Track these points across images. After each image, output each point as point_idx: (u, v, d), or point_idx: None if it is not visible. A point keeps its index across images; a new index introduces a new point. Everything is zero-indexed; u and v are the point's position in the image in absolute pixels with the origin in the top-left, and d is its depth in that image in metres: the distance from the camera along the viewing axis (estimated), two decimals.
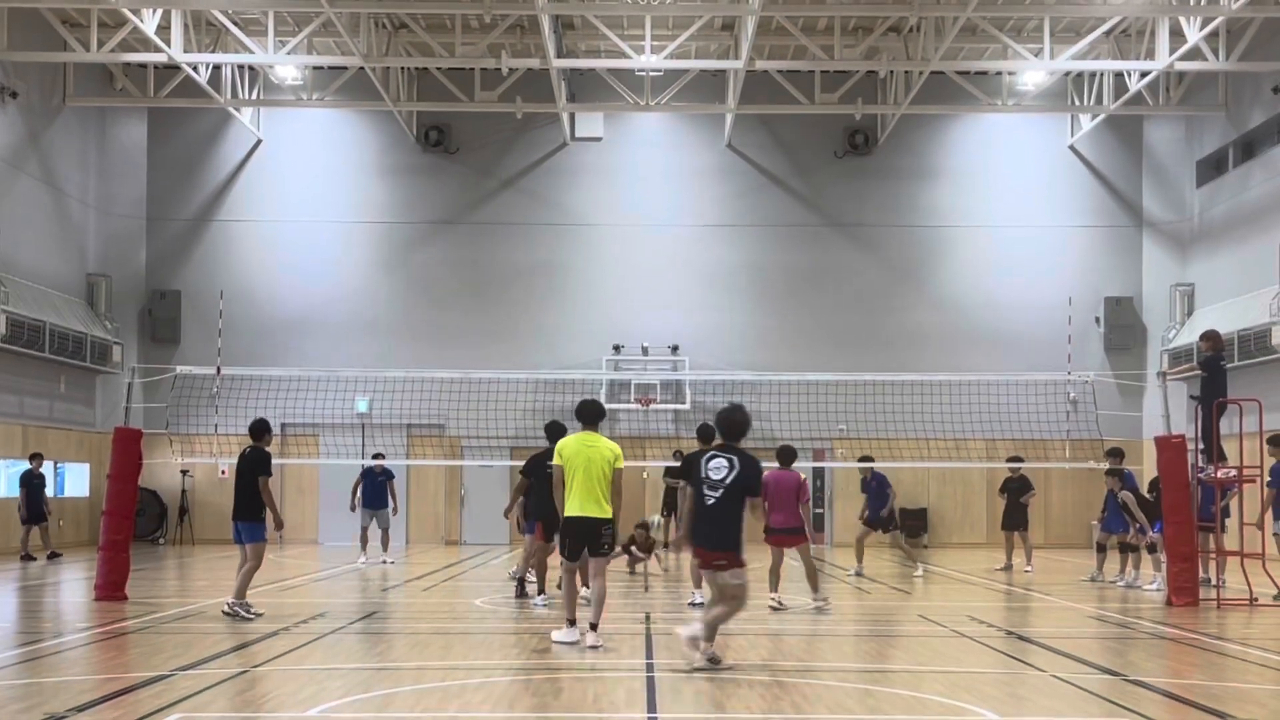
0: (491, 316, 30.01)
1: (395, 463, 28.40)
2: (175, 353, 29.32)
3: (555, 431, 15.50)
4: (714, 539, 10.30)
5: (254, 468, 13.84)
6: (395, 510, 23.33)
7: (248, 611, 13.63)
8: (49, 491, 25.05)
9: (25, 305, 25.29)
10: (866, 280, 30.40)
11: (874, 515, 20.57)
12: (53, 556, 23.85)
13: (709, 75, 29.42)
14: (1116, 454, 19.91)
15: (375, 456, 23.74)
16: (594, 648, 11.21)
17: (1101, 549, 19.79)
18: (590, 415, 11.73)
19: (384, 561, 22.68)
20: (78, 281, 28.71)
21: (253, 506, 13.82)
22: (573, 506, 11.41)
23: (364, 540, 22.92)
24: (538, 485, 15.36)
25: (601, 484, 11.39)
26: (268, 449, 14.13)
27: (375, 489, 22.89)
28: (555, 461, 11.60)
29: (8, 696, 8.94)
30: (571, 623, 11.68)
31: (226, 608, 13.71)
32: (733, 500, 10.21)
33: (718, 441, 10.69)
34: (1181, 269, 29.95)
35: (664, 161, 30.60)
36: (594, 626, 11.45)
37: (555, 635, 11.69)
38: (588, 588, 13.19)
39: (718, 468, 10.25)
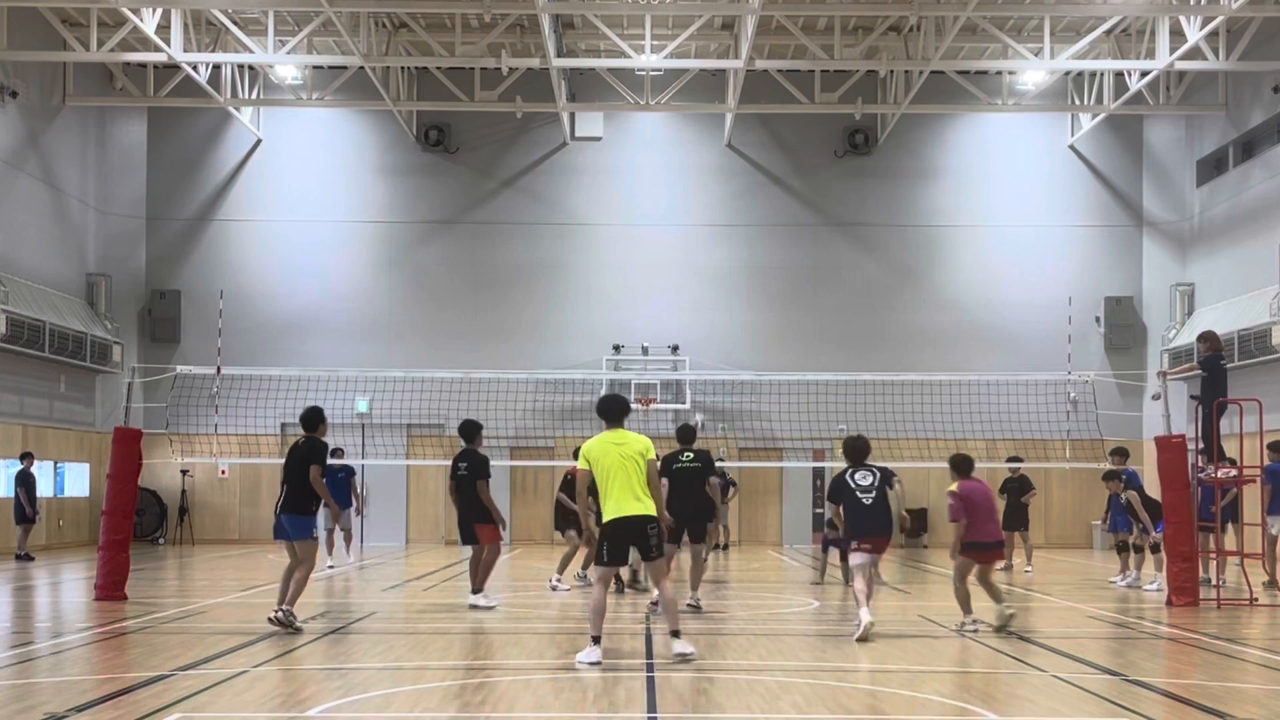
0: (491, 316, 30.01)
1: (395, 463, 28.50)
2: (175, 352, 29.34)
3: (469, 431, 15.13)
4: (886, 529, 12.49)
5: (309, 456, 12.75)
6: (360, 510, 21.99)
7: (294, 622, 12.50)
8: (38, 491, 24.77)
9: (25, 305, 25.29)
10: (866, 280, 30.40)
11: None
12: (22, 558, 23.22)
13: (709, 75, 29.42)
14: (1121, 453, 19.84)
15: (334, 453, 21.82)
16: (684, 656, 10.40)
17: (1122, 548, 19.57)
18: (615, 412, 11.00)
19: (349, 564, 21.43)
20: (77, 281, 28.72)
21: (303, 499, 12.72)
22: (611, 509, 10.62)
23: (330, 544, 21.46)
24: (464, 486, 14.93)
25: (638, 480, 10.63)
26: (324, 439, 13.12)
27: (336, 486, 21.21)
28: (580, 466, 10.88)
29: (7, 696, 8.93)
30: (596, 640, 10.54)
31: (280, 615, 12.44)
32: (885, 496, 12.51)
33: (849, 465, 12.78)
34: (1181, 269, 29.95)
35: (664, 161, 30.60)
36: (676, 634, 10.63)
37: (580, 657, 10.48)
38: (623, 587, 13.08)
39: (864, 476, 12.51)
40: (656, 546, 10.71)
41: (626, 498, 10.59)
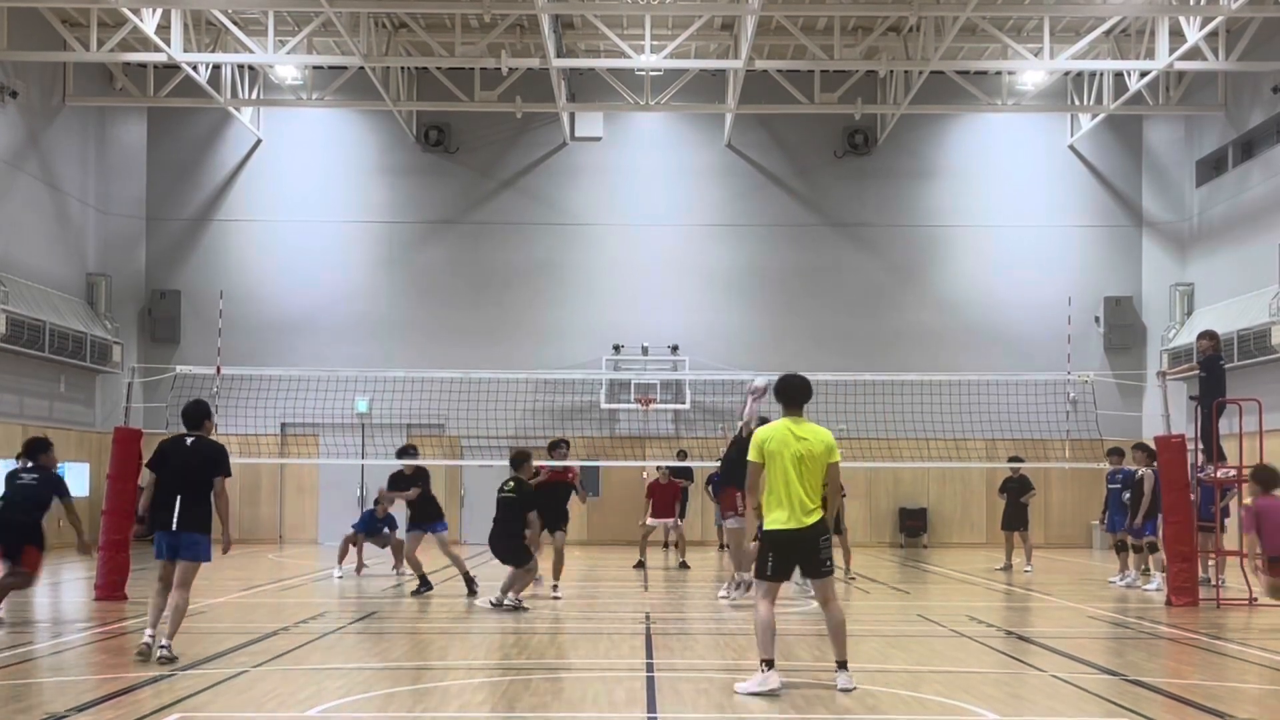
0: (491, 316, 30.01)
1: (396, 462, 28.29)
2: (175, 353, 29.33)
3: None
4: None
5: (215, 465, 10.54)
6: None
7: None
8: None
9: (25, 305, 25.29)
10: (866, 280, 30.40)
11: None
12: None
13: (709, 75, 29.42)
14: (1117, 453, 19.89)
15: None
16: (846, 690, 9.18)
17: (1121, 548, 19.58)
18: (795, 395, 9.49)
19: (398, 572, 19.72)
20: (77, 281, 28.71)
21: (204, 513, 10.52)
22: (778, 517, 9.24)
23: (344, 551, 20.00)
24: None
25: (813, 484, 9.26)
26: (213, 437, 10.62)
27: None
28: (752, 457, 9.38)
29: (7, 696, 8.94)
30: (768, 664, 9.16)
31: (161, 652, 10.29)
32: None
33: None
34: (1181, 269, 29.96)
35: (664, 161, 30.60)
36: (842, 665, 9.36)
37: (740, 687, 9.18)
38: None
39: None
40: (827, 562, 9.36)
41: (797, 505, 9.22)
